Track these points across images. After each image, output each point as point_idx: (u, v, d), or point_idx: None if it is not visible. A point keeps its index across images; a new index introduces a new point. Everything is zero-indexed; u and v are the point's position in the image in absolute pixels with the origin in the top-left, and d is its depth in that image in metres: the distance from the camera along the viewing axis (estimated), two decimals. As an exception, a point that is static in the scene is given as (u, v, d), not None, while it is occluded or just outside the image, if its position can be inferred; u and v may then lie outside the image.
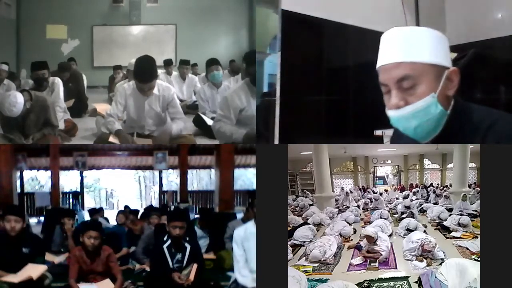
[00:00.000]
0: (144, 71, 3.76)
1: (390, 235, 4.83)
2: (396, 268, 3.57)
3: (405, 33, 1.55)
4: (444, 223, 5.39)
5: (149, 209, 5.49)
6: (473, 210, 6.22)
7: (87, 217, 6.08)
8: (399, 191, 11.05)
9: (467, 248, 4.03)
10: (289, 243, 4.29)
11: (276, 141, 3.13)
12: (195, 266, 3.01)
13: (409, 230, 4.67)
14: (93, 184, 13.58)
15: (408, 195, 9.54)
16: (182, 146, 6.83)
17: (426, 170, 12.81)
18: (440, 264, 3.16)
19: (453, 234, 4.83)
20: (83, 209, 8.05)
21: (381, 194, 9.16)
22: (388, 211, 6.89)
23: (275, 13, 3.22)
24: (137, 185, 14.10)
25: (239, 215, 5.01)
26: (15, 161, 6.90)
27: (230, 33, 9.85)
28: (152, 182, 13.53)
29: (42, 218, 7.02)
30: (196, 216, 6.05)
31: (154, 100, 3.91)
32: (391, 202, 8.83)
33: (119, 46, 9.55)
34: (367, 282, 3.11)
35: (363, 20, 3.59)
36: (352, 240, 4.72)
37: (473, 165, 9.36)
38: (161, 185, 9.75)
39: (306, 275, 3.14)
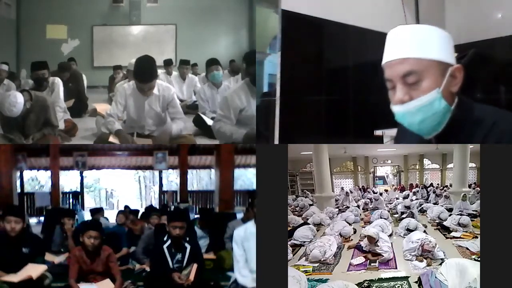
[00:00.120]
0: (144, 71, 3.76)
1: (390, 235, 4.83)
2: (396, 268, 3.57)
3: (411, 30, 1.57)
4: (444, 223, 5.39)
5: (149, 209, 5.51)
6: (473, 210, 6.22)
7: (87, 217, 6.08)
8: (399, 191, 11.05)
9: (467, 248, 4.03)
10: (289, 243, 4.29)
11: (276, 141, 3.13)
12: (195, 266, 3.01)
13: (409, 230, 4.67)
14: (93, 184, 13.59)
15: (408, 195, 9.54)
16: (182, 146, 6.83)
17: (426, 170, 12.81)
18: (440, 264, 3.16)
19: (453, 234, 4.83)
20: (83, 209, 8.06)
21: (381, 194, 9.16)
22: (388, 211, 6.89)
23: (275, 13, 3.22)
24: (137, 185, 14.12)
25: (239, 215, 5.01)
26: (15, 161, 6.89)
27: (230, 33, 9.84)
28: (152, 182, 13.55)
29: (42, 218, 7.02)
30: (196, 216, 6.05)
31: (154, 100, 3.90)
32: (391, 202, 8.82)
33: (119, 46, 9.55)
34: (367, 282, 3.11)
35: (363, 20, 3.60)
36: (352, 240, 4.72)
37: (473, 165, 9.36)
38: (161, 185, 9.76)
39: (306, 275, 3.14)
